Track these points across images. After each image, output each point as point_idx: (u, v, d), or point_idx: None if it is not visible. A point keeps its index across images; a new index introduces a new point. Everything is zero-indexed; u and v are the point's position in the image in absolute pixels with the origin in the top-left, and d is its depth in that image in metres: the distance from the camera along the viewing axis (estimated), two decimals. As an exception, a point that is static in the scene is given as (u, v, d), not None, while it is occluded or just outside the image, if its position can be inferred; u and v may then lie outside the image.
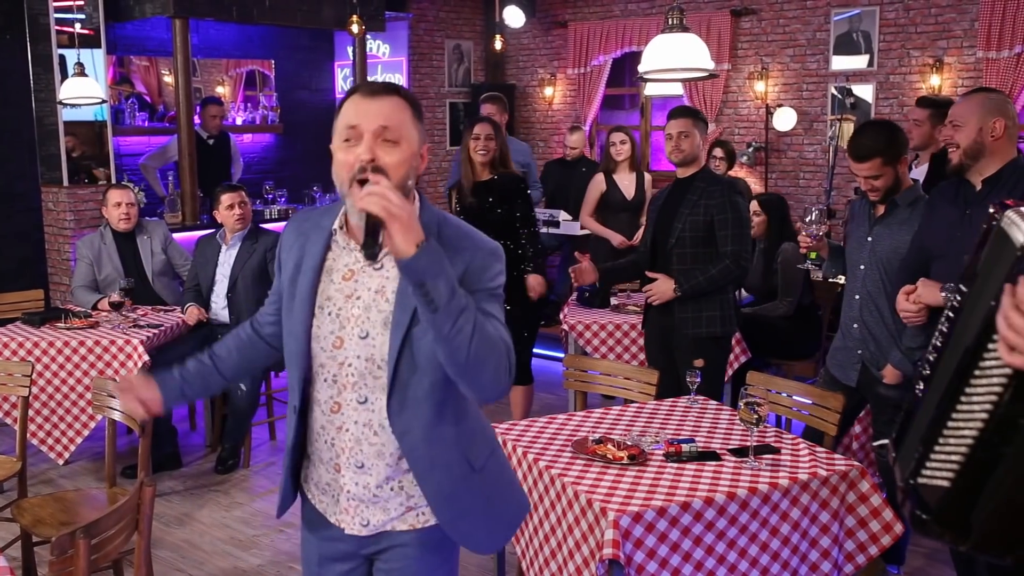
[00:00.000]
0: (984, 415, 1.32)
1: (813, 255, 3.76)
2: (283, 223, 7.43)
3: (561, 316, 5.34)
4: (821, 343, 5.40)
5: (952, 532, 1.40)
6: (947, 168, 3.10)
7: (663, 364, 4.13)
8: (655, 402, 3.54)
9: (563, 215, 7.40)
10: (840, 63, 7.39)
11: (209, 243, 5.27)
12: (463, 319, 1.73)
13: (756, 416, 2.85)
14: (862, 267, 3.51)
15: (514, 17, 8.03)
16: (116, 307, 4.99)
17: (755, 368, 4.14)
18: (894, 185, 3.40)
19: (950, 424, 1.40)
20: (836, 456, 2.96)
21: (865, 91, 7.22)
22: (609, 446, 2.98)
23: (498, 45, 7.55)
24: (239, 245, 5.17)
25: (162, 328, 4.97)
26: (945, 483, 1.39)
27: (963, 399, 1.37)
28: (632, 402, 3.62)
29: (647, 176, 6.26)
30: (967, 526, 1.37)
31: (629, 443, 3.03)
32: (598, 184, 6.25)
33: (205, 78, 8.35)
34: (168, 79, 7.80)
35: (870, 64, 7.26)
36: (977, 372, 1.35)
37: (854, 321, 3.53)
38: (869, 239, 3.50)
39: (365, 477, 1.97)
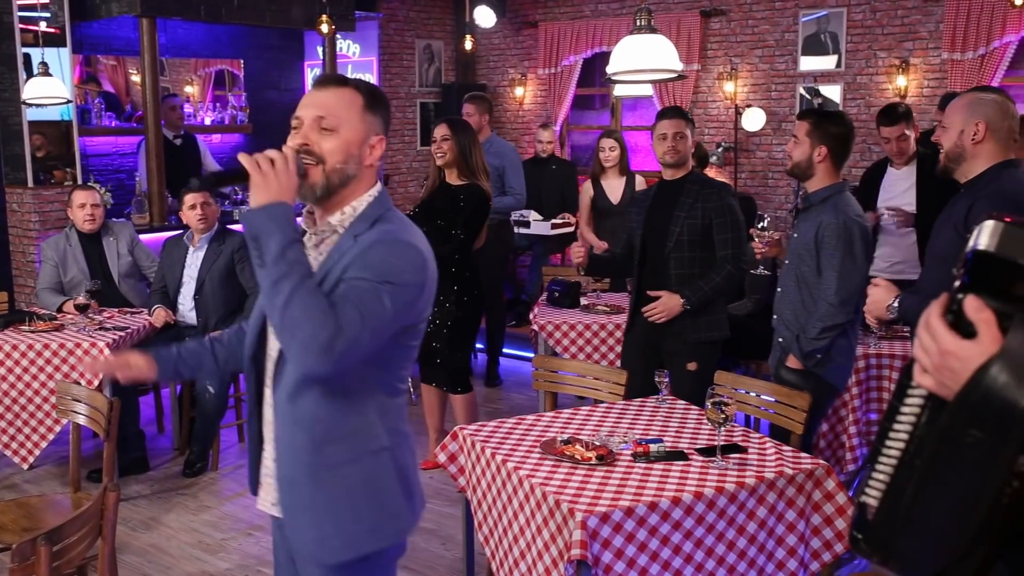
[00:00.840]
0: (906, 435, 1.32)
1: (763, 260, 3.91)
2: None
3: (531, 316, 5.35)
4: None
5: (878, 553, 1.38)
6: (936, 171, 3.17)
7: (644, 367, 4.10)
8: (624, 402, 3.55)
9: (533, 215, 7.40)
10: (808, 64, 7.45)
11: (176, 245, 5.22)
12: (285, 282, 1.83)
13: (723, 416, 2.87)
14: (786, 261, 3.63)
15: (484, 17, 8.02)
16: (82, 309, 4.93)
17: (724, 368, 4.16)
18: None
19: (887, 443, 1.39)
20: (803, 455, 2.98)
21: (833, 91, 7.29)
22: (577, 447, 2.98)
23: (468, 45, 7.54)
24: (206, 247, 5.13)
25: (128, 331, 4.92)
26: (874, 502, 1.38)
27: (898, 417, 1.37)
28: (601, 402, 3.63)
29: (638, 178, 6.20)
30: (891, 548, 1.36)
31: (597, 443, 3.03)
32: (587, 191, 6.28)
33: (174, 77, 8.28)
34: (136, 79, 7.73)
35: (838, 65, 7.32)
36: (909, 390, 1.35)
37: (775, 312, 3.72)
38: (795, 235, 3.59)
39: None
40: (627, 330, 4.28)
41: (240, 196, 7.47)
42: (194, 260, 5.15)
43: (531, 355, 7.18)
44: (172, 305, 5.20)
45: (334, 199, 2.03)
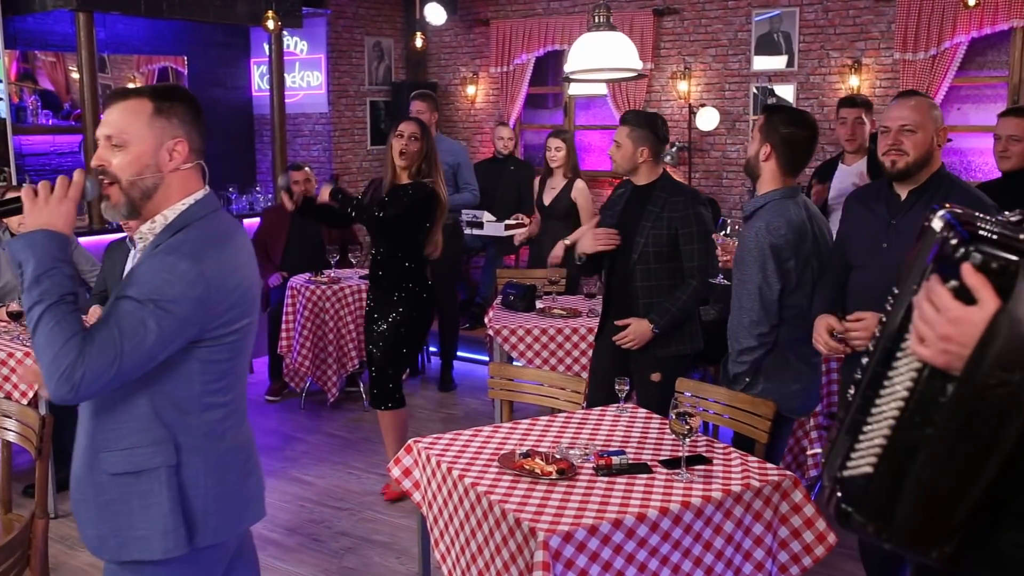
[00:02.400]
0: (905, 393, 1.35)
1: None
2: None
3: (486, 320, 5.22)
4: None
5: (876, 523, 1.38)
6: (888, 173, 3.03)
7: (611, 374, 3.99)
8: (583, 411, 3.45)
9: (487, 216, 7.27)
10: (761, 63, 7.42)
11: (118, 248, 5.01)
12: (36, 308, 1.87)
13: (687, 427, 2.77)
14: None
15: (435, 14, 7.88)
16: (15, 317, 4.70)
17: (686, 373, 4.08)
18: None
19: (873, 410, 1.41)
20: (768, 465, 2.90)
21: (786, 91, 7.27)
22: (537, 460, 2.86)
23: (419, 43, 7.39)
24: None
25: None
26: (868, 468, 1.38)
27: (885, 383, 1.40)
28: (560, 412, 3.52)
29: (579, 183, 6.03)
30: (890, 517, 1.36)
31: (558, 456, 2.92)
32: (534, 190, 6.23)
33: (116, 75, 8.01)
34: (77, 76, 7.45)
35: (790, 64, 7.30)
36: (899, 354, 1.39)
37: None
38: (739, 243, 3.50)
39: None
40: (597, 335, 4.18)
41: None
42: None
43: (486, 359, 7.07)
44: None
45: (147, 211, 2.06)
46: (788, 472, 2.84)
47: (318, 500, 4.74)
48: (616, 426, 3.28)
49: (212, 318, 1.99)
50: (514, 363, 5.18)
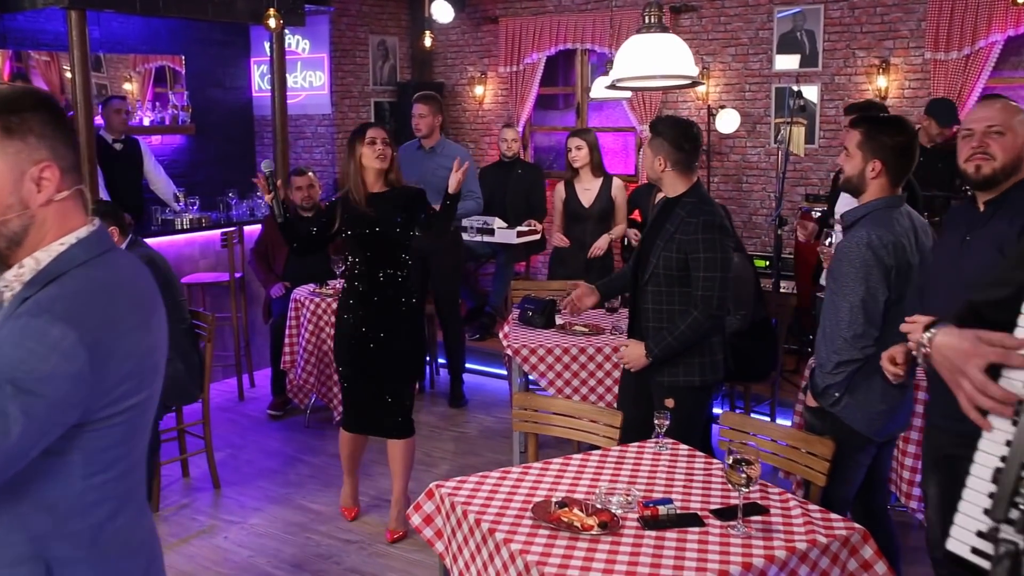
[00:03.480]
0: None
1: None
2: (197, 233, 6.89)
3: (501, 335, 4.93)
4: (779, 360, 5.09)
5: None
6: (971, 181, 2.74)
7: (636, 399, 3.73)
8: (619, 448, 3.15)
9: (498, 222, 6.98)
10: (784, 63, 7.12)
11: None
12: None
13: (745, 477, 2.47)
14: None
15: (442, 12, 7.56)
16: None
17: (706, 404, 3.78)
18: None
19: None
20: (833, 517, 2.60)
21: (810, 92, 6.96)
22: (575, 511, 2.57)
23: (427, 42, 7.08)
24: None
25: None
26: None
27: None
28: (595, 447, 3.22)
29: (617, 181, 5.77)
30: None
31: (598, 506, 2.63)
32: (559, 194, 5.89)
33: (112, 74, 7.72)
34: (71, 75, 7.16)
35: (814, 64, 7.00)
36: None
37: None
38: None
39: None
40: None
41: (182, 204, 6.93)
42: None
43: (498, 372, 6.78)
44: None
45: (17, 256, 1.58)
46: (856, 525, 2.54)
47: (325, 531, 4.44)
48: (657, 465, 2.98)
49: (98, 397, 1.53)
50: (531, 383, 4.89)
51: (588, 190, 5.72)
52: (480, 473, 2.92)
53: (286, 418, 6.05)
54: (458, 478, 2.89)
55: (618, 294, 4.32)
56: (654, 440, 3.17)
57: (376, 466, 5.02)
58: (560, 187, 5.85)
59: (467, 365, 6.63)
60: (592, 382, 4.50)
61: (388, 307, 4.21)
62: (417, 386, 5.93)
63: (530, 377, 4.63)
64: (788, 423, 5.39)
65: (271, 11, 6.37)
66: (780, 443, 3.08)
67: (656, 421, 3.11)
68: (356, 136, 4.25)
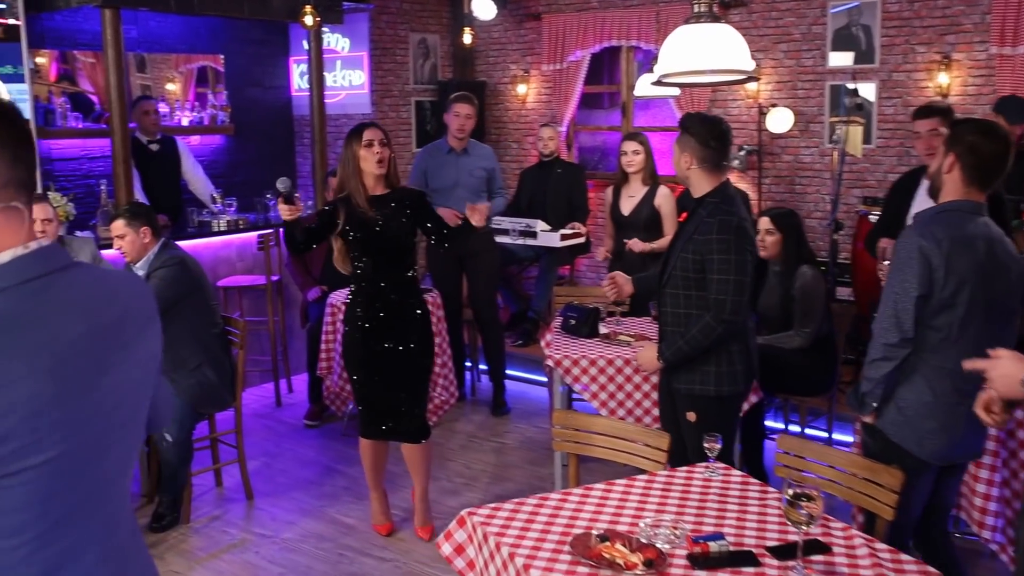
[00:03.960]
0: None
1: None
2: (234, 236, 6.78)
3: (543, 344, 4.74)
4: (837, 375, 4.83)
5: None
6: None
7: (671, 411, 3.57)
8: (667, 472, 2.93)
9: (540, 225, 6.78)
10: (838, 59, 6.82)
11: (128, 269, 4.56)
12: None
13: (806, 515, 2.25)
14: None
15: (484, 9, 7.38)
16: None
17: (760, 403, 3.57)
18: None
19: None
20: (904, 558, 2.36)
21: (866, 90, 6.65)
22: (618, 546, 2.36)
23: (467, 39, 6.89)
24: (146, 274, 4.43)
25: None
26: None
27: None
28: (640, 471, 3.01)
29: (662, 188, 5.48)
30: None
31: (643, 540, 2.42)
32: (606, 199, 5.69)
33: (155, 75, 7.65)
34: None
35: (870, 60, 6.69)
36: None
37: None
38: None
39: None
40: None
41: (219, 206, 6.81)
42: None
43: (540, 379, 6.58)
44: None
45: None
46: (931, 569, 2.30)
47: (359, 548, 4.27)
48: (707, 494, 2.76)
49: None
50: (574, 396, 4.69)
51: (632, 197, 5.49)
52: (516, 500, 2.73)
53: (323, 425, 5.90)
54: (492, 505, 2.69)
55: (648, 294, 4.15)
56: (704, 464, 2.95)
57: (405, 478, 4.85)
58: (608, 191, 5.63)
59: (509, 372, 6.44)
60: (638, 395, 4.29)
61: (395, 309, 4.11)
62: (457, 394, 5.76)
63: (573, 389, 4.42)
64: (849, 438, 5.15)
65: (308, 8, 6.24)
66: (842, 470, 2.85)
67: (706, 444, 2.89)
68: (352, 138, 4.10)
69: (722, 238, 3.33)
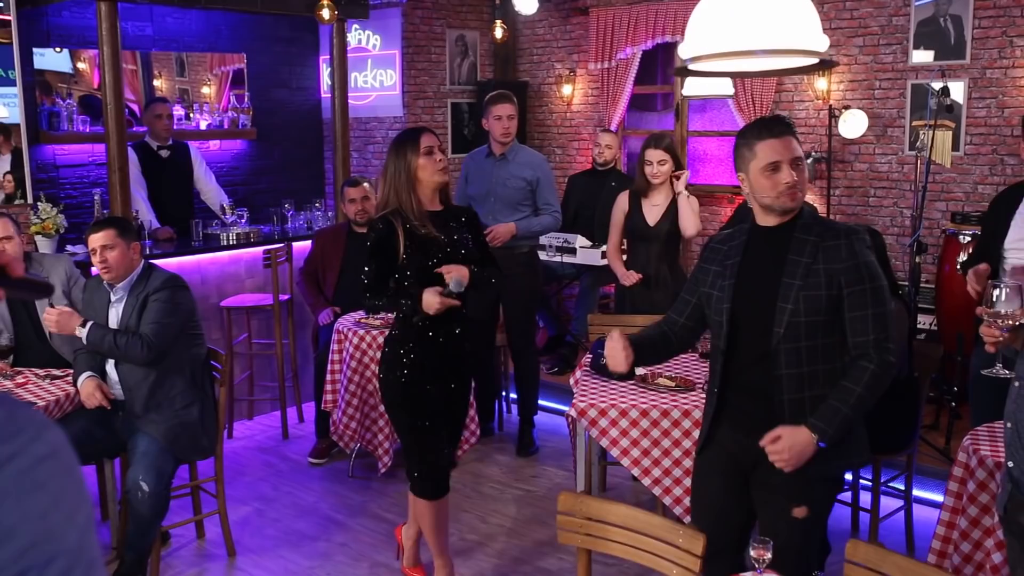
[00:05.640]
0: None
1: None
2: (245, 250, 6.22)
3: (572, 382, 4.05)
4: (919, 426, 4.05)
5: None
6: None
7: (726, 505, 2.79)
8: (701, 586, 2.23)
9: (580, 240, 6.10)
10: (923, 55, 6.01)
11: (97, 288, 3.98)
12: None
13: None
14: None
15: (526, 3, 6.70)
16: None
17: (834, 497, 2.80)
18: None
19: None
20: None
21: (955, 89, 5.83)
22: None
23: (499, 33, 6.24)
24: (125, 296, 3.88)
25: (46, 403, 3.75)
26: None
27: None
28: (663, 582, 2.31)
29: (687, 199, 4.77)
30: None
31: None
32: (620, 206, 4.92)
33: (193, 78, 7.18)
34: (141, 74, 6.64)
35: (960, 56, 5.87)
36: None
37: (1007, 419, 2.35)
38: None
39: None
40: (700, 448, 2.89)
41: (230, 217, 6.24)
42: (115, 313, 3.92)
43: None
44: (102, 370, 3.98)
45: None
46: None
47: (345, 625, 3.64)
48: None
49: None
50: (606, 454, 3.99)
51: (656, 206, 4.76)
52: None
53: (329, 463, 5.29)
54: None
55: (650, 361, 3.19)
56: (752, 574, 2.24)
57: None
58: (623, 198, 4.89)
59: (542, 403, 5.76)
60: (677, 452, 3.57)
61: (454, 344, 3.51)
62: (479, 431, 5.10)
63: (602, 444, 3.72)
64: (934, 497, 4.39)
65: (324, 2, 5.64)
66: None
67: (753, 553, 2.18)
68: (405, 146, 3.48)
69: (866, 260, 2.59)
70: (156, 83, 7.01)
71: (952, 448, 4.69)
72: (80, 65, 6.56)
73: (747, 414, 2.71)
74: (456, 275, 3.35)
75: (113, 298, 3.86)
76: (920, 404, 4.00)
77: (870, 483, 4.09)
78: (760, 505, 2.70)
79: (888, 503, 4.20)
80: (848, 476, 4.42)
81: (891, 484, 4.27)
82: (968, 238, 4.89)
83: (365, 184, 5.52)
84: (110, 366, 3.93)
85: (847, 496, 4.37)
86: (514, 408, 5.87)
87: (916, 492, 4.31)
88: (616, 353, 2.73)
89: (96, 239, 3.84)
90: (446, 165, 3.52)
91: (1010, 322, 2.35)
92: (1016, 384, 2.33)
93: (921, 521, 4.25)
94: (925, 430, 4.80)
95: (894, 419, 3.86)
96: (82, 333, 3.81)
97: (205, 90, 7.29)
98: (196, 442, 3.95)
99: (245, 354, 5.92)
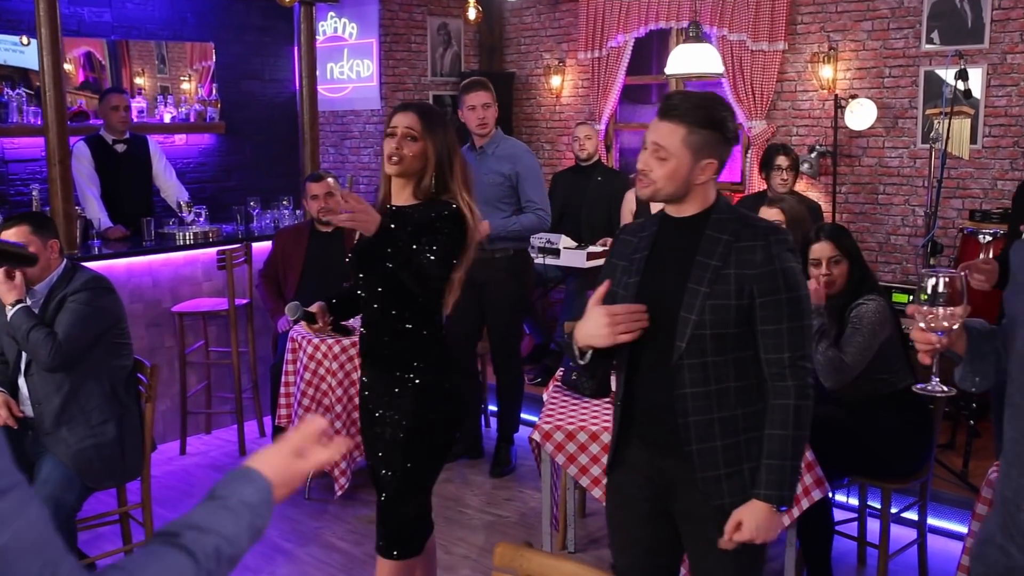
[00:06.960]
0: None
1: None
2: (201, 250, 5.78)
3: (545, 397, 3.61)
4: (932, 449, 3.58)
5: None
6: None
7: (645, 533, 2.37)
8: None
9: (565, 241, 5.64)
10: (937, 40, 5.53)
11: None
12: None
13: None
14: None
15: (511, -13, 6.27)
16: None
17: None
18: None
19: None
20: None
21: (972, 76, 5.33)
22: None
23: (472, 15, 5.77)
24: (41, 300, 3.45)
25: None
26: None
27: None
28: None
29: None
30: None
31: None
32: (628, 206, 4.51)
33: (130, 64, 6.73)
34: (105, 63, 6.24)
35: (978, 40, 5.39)
36: None
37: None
38: None
39: None
40: (609, 467, 2.44)
41: (187, 215, 5.79)
42: (25, 318, 3.47)
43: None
44: (12, 385, 3.53)
45: None
46: None
47: None
48: None
49: None
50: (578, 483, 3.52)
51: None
52: None
53: (286, 485, 4.83)
54: None
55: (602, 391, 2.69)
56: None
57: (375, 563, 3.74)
58: (631, 196, 4.47)
59: (524, 416, 5.30)
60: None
61: (387, 368, 2.84)
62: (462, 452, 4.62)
63: (569, 473, 3.26)
64: (953, 526, 3.93)
65: (288, -19, 5.20)
66: None
67: None
68: (448, 126, 2.95)
69: (787, 265, 2.18)
70: (113, 73, 6.58)
71: (971, 471, 4.22)
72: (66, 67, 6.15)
73: (655, 433, 2.30)
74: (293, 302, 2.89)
75: (29, 301, 3.40)
76: (934, 424, 3.53)
77: (879, 511, 3.60)
78: (688, 539, 2.32)
79: (899, 534, 3.72)
80: (854, 500, 3.97)
81: (903, 514, 3.78)
82: (989, 238, 4.42)
83: (330, 179, 5.07)
84: (21, 380, 3.49)
85: (852, 528, 3.91)
86: (493, 422, 5.42)
87: (931, 521, 3.85)
88: (599, 317, 2.20)
89: (8, 236, 3.40)
90: (400, 154, 2.80)
91: (945, 323, 1.77)
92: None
93: (937, 554, 3.79)
94: (940, 450, 4.31)
95: (901, 441, 3.39)
96: (10, 311, 3.37)
97: (169, 82, 6.85)
98: (111, 466, 3.48)
99: (201, 363, 5.47)
